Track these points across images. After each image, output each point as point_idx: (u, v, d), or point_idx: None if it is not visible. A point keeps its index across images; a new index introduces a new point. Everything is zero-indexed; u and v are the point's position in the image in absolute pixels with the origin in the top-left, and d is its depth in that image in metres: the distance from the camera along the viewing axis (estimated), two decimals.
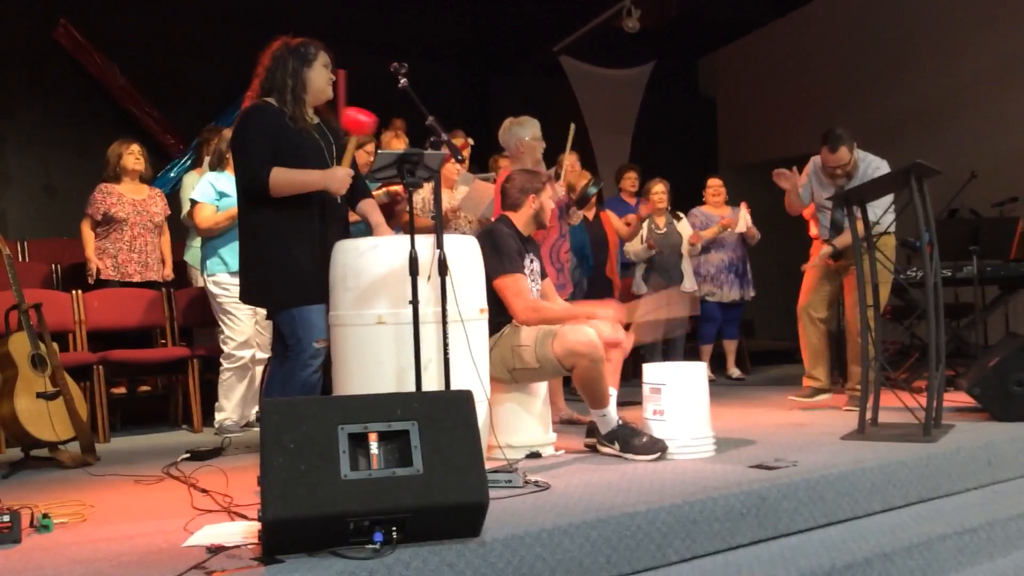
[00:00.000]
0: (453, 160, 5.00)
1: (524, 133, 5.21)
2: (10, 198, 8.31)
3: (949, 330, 6.46)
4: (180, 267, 6.60)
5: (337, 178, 3.64)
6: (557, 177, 5.61)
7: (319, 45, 3.76)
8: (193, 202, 5.44)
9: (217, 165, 5.47)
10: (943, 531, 3.30)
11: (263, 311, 5.20)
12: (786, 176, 5.47)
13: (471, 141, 5.16)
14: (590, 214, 6.60)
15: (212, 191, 5.36)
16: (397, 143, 6.16)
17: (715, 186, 7.78)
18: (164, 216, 6.19)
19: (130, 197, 6.01)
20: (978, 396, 4.69)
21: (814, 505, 3.32)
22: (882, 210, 4.87)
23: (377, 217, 3.86)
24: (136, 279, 5.99)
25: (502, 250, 4.14)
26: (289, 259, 3.61)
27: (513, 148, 5.27)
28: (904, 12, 10.06)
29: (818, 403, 5.44)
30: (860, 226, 4.58)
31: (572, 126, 5.51)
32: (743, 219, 7.47)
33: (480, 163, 7.16)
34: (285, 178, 3.57)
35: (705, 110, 12.40)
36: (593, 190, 5.72)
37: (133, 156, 6.07)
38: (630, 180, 7.81)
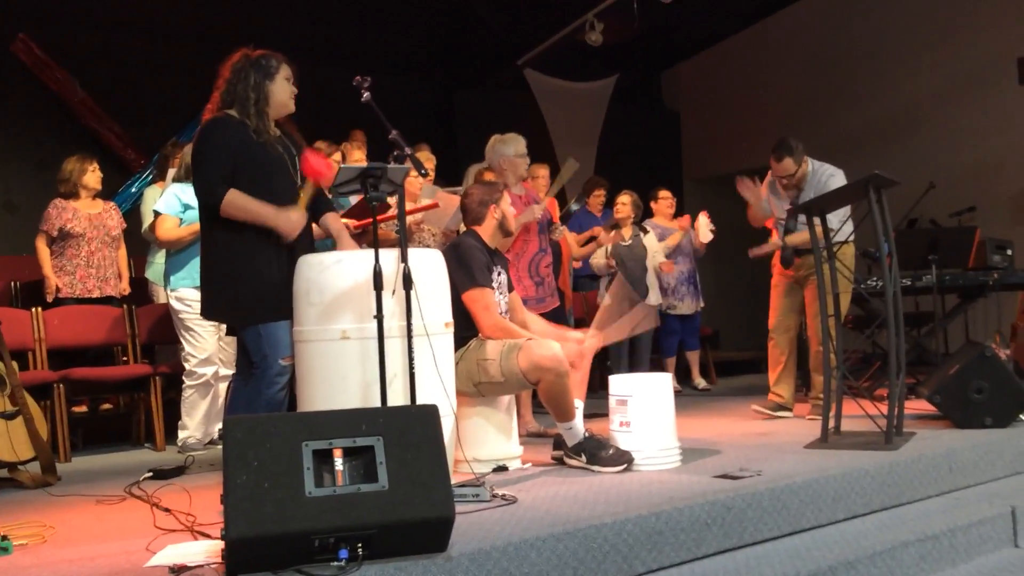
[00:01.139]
0: (417, 174, 5.00)
1: (507, 150, 5.32)
2: None
3: (909, 339, 6.54)
4: (141, 283, 6.53)
5: (291, 220, 3.58)
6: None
7: (280, 58, 3.73)
8: (156, 213, 5.38)
9: (184, 178, 5.41)
10: (906, 538, 3.33)
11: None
12: (748, 187, 5.52)
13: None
14: None
15: (177, 203, 5.30)
16: (358, 155, 6.16)
17: (666, 198, 7.84)
18: (120, 229, 6.12)
19: (85, 212, 5.94)
20: (939, 404, 4.75)
21: (778, 514, 3.34)
22: (839, 220, 4.93)
23: (341, 231, 3.84)
24: (95, 294, 5.92)
25: (470, 264, 4.15)
26: (254, 274, 3.57)
27: (496, 165, 5.35)
28: (863, 27, 10.22)
29: (778, 416, 5.47)
30: (820, 235, 4.63)
31: (571, 162, 5.55)
32: (705, 226, 7.53)
33: (446, 177, 7.15)
34: (240, 204, 3.52)
35: (668, 123, 12.50)
36: (575, 207, 5.79)
37: (96, 174, 6.02)
38: (598, 198, 7.85)
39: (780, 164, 5.27)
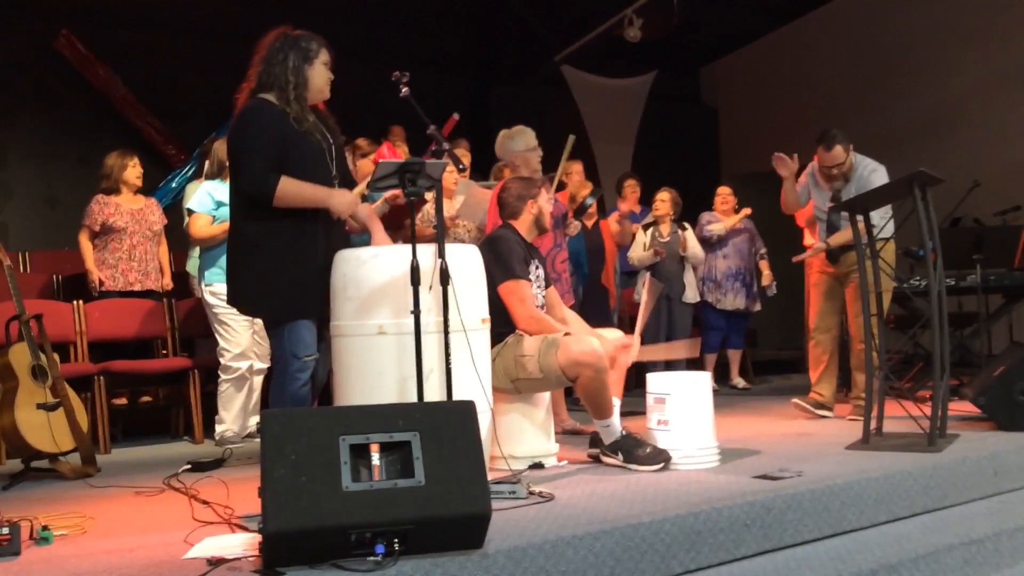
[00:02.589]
0: (456, 170, 4.98)
1: (516, 145, 5.22)
2: (11, 209, 8.30)
3: (953, 339, 6.44)
4: (182, 277, 6.59)
5: (345, 201, 3.60)
6: (553, 182, 5.59)
7: (321, 41, 3.68)
8: (189, 211, 5.41)
9: (217, 174, 5.43)
10: (949, 542, 3.28)
11: (259, 321, 5.19)
12: (785, 163, 5.45)
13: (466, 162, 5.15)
14: (589, 223, 6.62)
15: (210, 201, 5.32)
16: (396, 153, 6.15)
17: (724, 194, 7.77)
18: (162, 225, 6.17)
19: (127, 207, 5.99)
20: (983, 405, 4.66)
21: (819, 516, 3.29)
22: (880, 217, 4.86)
23: (375, 224, 3.82)
24: (136, 288, 5.98)
25: (507, 256, 4.13)
26: (281, 272, 3.54)
27: (509, 161, 5.29)
28: (905, 22, 10.07)
29: (820, 414, 5.41)
30: (862, 232, 4.56)
31: (571, 137, 5.51)
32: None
33: (483, 173, 7.16)
34: (294, 191, 3.49)
35: (707, 120, 12.40)
36: (591, 200, 5.74)
37: (136, 169, 6.07)
38: (630, 188, 7.81)
39: (830, 153, 5.17)
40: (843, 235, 5.14)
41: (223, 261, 5.20)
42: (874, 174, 5.20)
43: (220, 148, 5.36)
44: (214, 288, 5.30)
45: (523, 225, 4.36)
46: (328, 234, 3.64)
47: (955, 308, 7.26)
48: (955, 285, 6.24)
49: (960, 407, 5.06)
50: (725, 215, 7.68)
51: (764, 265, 7.63)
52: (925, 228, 4.30)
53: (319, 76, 3.66)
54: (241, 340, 5.34)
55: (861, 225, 4.53)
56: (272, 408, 3.52)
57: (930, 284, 4.32)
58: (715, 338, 7.61)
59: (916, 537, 3.34)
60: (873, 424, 4.39)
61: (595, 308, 6.06)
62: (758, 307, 7.72)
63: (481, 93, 10.77)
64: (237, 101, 3.68)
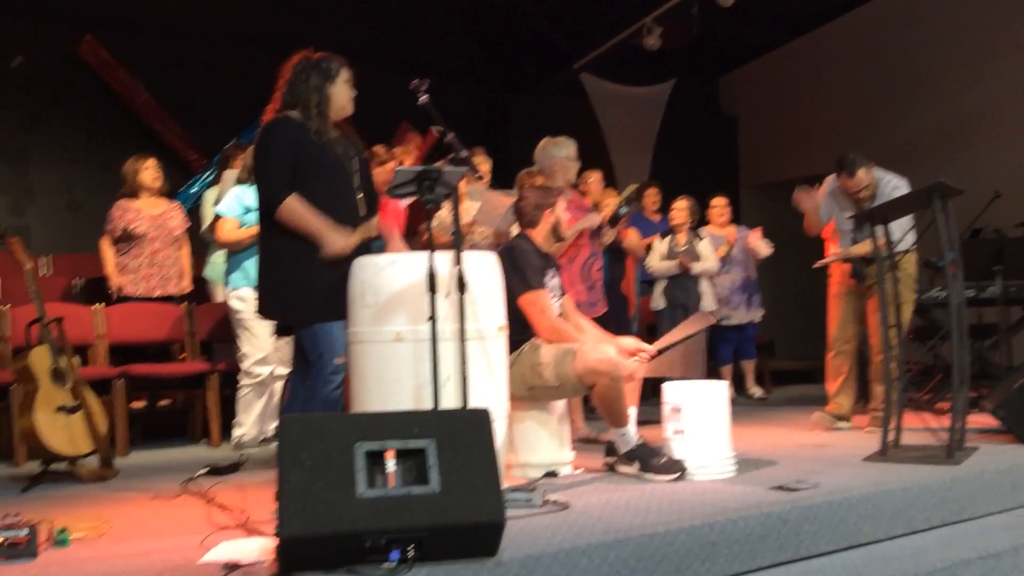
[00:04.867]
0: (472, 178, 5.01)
1: (558, 152, 5.31)
2: (34, 213, 8.37)
3: (973, 351, 6.39)
4: (200, 282, 6.62)
5: (338, 243, 3.58)
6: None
7: (341, 61, 3.76)
8: (217, 215, 5.43)
9: (247, 179, 5.45)
10: (967, 556, 3.25)
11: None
12: (806, 198, 5.42)
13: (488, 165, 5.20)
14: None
15: (238, 205, 5.33)
16: (409, 159, 6.17)
17: (719, 206, 7.77)
18: (183, 229, 6.20)
19: (148, 212, 6.02)
20: (1002, 418, 4.62)
21: (836, 528, 3.28)
22: (901, 229, 4.84)
23: (391, 232, 3.86)
24: (157, 293, 6.01)
25: (525, 267, 4.14)
26: (311, 274, 3.60)
27: (547, 166, 5.34)
28: (924, 31, 10.02)
29: (838, 427, 5.38)
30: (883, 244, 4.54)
31: (632, 186, 5.60)
32: (762, 245, 7.48)
33: (501, 182, 7.16)
34: (298, 212, 3.56)
35: (726, 128, 12.37)
36: (624, 209, 5.76)
37: (150, 172, 6.07)
38: (652, 197, 7.82)
39: (854, 179, 5.13)
40: (864, 245, 5.12)
41: (250, 264, 5.25)
42: (896, 191, 5.16)
43: (251, 154, 5.38)
44: (240, 293, 5.32)
45: (540, 235, 4.36)
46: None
47: (975, 320, 7.20)
48: (975, 296, 6.20)
49: (979, 420, 5.02)
50: (721, 227, 7.68)
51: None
52: (945, 239, 4.27)
53: (341, 94, 3.73)
54: (264, 345, 5.35)
55: (881, 237, 4.51)
56: (301, 411, 3.55)
57: (950, 295, 4.30)
58: (727, 350, 7.61)
59: (933, 550, 3.32)
60: (891, 436, 4.36)
61: (614, 316, 6.06)
62: (759, 316, 7.69)
63: (499, 102, 10.80)
64: (263, 121, 3.74)
